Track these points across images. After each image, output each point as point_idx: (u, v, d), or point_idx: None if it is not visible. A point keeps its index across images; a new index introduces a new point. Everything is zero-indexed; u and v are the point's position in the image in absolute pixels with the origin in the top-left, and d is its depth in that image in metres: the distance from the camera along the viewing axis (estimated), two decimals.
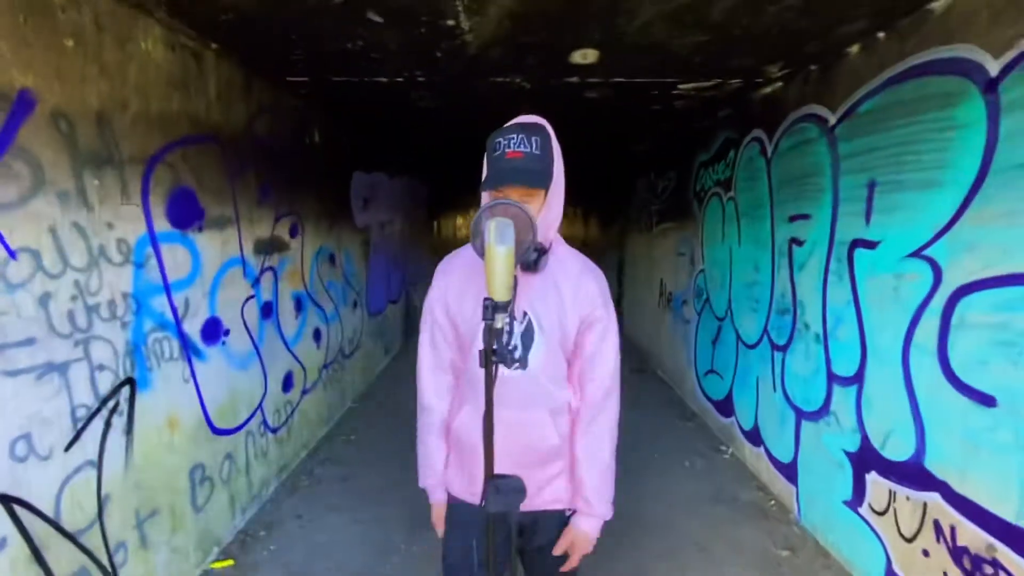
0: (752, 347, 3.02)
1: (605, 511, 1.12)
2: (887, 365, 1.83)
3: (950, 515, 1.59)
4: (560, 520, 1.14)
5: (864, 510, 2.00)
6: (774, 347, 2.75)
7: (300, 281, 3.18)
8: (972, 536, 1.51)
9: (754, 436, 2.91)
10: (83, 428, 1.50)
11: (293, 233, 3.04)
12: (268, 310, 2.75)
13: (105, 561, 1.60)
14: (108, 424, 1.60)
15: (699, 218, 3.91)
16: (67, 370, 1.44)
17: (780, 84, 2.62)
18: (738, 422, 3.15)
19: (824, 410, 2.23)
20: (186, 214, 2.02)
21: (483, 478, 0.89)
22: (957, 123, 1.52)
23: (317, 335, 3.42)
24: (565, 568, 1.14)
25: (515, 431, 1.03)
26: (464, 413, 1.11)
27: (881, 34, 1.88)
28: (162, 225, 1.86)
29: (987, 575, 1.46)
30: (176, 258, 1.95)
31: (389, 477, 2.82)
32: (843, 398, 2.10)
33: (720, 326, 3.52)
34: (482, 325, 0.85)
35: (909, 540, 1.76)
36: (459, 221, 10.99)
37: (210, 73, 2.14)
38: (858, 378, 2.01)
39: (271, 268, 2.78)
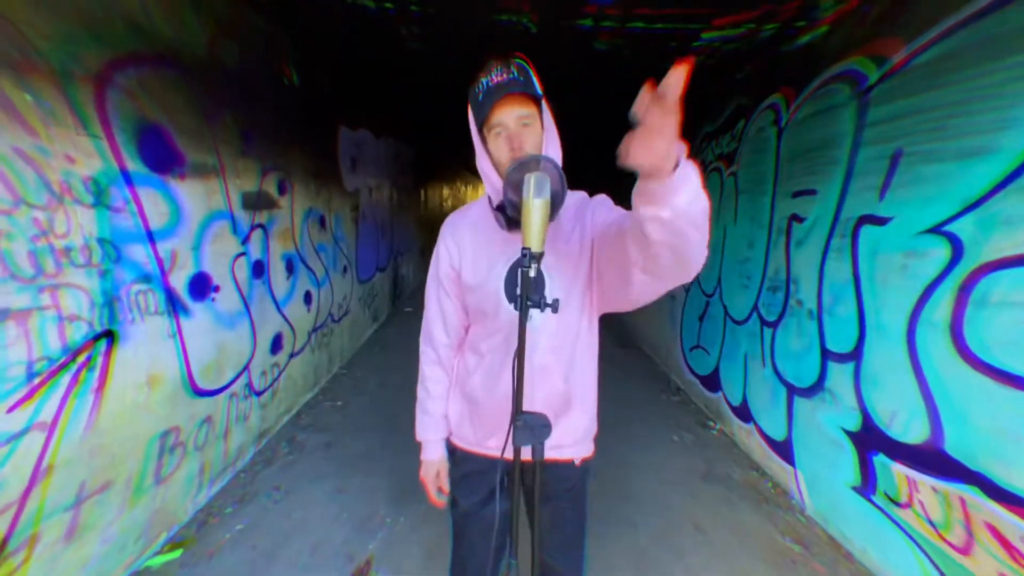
0: (740, 323, 3.05)
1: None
2: (890, 342, 1.85)
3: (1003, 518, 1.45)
4: (570, 472, 1.12)
5: (880, 500, 1.89)
6: (764, 323, 2.77)
7: (291, 242, 3.05)
8: None
9: (743, 412, 2.97)
10: (40, 385, 1.36)
11: (281, 190, 2.89)
12: (259, 269, 2.63)
13: None
14: (77, 380, 1.48)
15: None
16: (26, 319, 1.31)
17: (824, 29, 2.33)
18: (725, 398, 3.21)
19: (818, 386, 2.26)
20: (163, 157, 1.87)
21: (511, 414, 0.88)
22: None
23: (308, 298, 3.32)
24: None
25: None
26: (480, 371, 1.10)
27: None
28: (135, 166, 1.72)
29: None
30: (157, 205, 1.81)
31: (375, 443, 2.78)
32: (839, 375, 2.13)
33: (708, 302, 3.54)
34: (502, 279, 1.03)
35: (958, 548, 1.60)
36: (445, 192, 10.73)
37: None
38: (856, 355, 2.03)
39: (261, 225, 2.65)
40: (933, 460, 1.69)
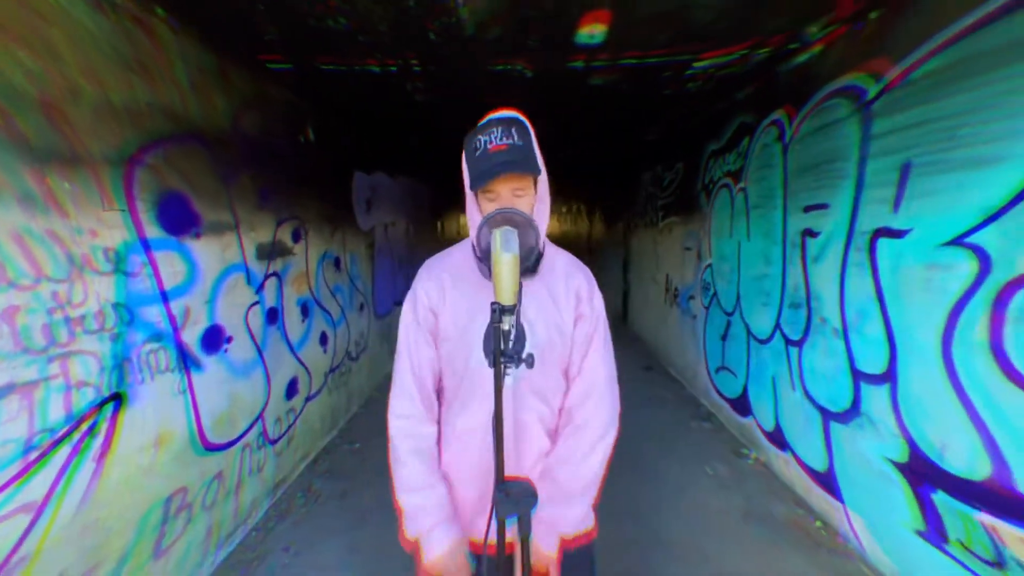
0: (764, 342, 2.93)
1: (567, 527, 0.99)
2: (924, 363, 1.73)
3: None
4: (571, 558, 1.05)
5: (957, 551, 1.60)
6: (788, 342, 2.65)
7: (306, 286, 3.12)
8: None
9: (778, 438, 2.80)
10: (35, 461, 1.31)
11: (296, 238, 2.98)
12: (273, 316, 2.69)
13: None
14: (79, 449, 1.44)
15: (707, 211, 3.81)
16: (32, 391, 1.31)
17: (819, 49, 2.34)
18: (757, 423, 3.05)
19: (854, 411, 2.12)
20: (180, 220, 1.95)
21: (493, 482, 0.85)
22: None
23: (323, 339, 3.37)
24: None
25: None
26: (454, 445, 1.05)
27: None
28: (154, 232, 1.79)
29: None
30: (173, 266, 1.89)
31: (390, 488, 2.72)
32: (875, 398, 1.99)
33: (729, 321, 3.42)
34: (481, 332, 0.98)
35: None
36: (462, 220, 10.91)
37: (174, 55, 1.92)
38: (889, 376, 1.90)
39: (275, 274, 2.72)
40: (1007, 501, 1.45)
